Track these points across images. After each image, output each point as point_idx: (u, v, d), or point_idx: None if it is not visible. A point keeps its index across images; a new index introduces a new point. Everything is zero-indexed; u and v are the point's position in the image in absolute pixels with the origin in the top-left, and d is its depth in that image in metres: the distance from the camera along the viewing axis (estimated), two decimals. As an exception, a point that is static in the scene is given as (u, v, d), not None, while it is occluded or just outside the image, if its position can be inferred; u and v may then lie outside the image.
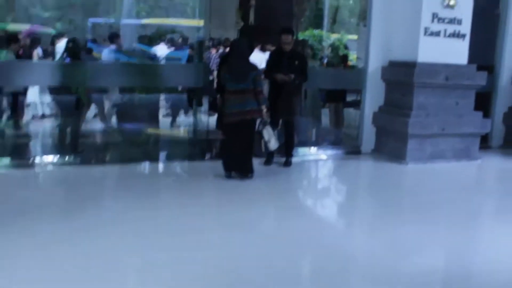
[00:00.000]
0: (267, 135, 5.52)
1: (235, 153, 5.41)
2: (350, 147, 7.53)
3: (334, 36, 21.15)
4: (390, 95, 7.17)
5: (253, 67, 5.38)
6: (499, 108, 8.35)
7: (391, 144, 7.02)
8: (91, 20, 18.25)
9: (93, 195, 4.91)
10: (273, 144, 5.59)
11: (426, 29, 6.70)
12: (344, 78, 7.54)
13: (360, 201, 5.50)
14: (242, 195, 5.11)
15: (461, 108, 6.99)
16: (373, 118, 7.31)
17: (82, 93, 6.53)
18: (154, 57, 9.95)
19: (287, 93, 6.05)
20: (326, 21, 23.55)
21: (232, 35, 17.46)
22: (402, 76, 6.79)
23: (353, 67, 10.47)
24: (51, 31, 18.99)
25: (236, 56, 5.40)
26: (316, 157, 7.18)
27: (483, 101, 7.58)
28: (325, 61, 13.25)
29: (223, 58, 7.26)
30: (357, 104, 8.09)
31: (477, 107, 7.14)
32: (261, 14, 15.27)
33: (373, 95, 7.28)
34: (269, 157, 6.29)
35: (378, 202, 5.24)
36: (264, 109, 5.42)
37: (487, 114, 8.12)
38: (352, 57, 14.87)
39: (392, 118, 6.89)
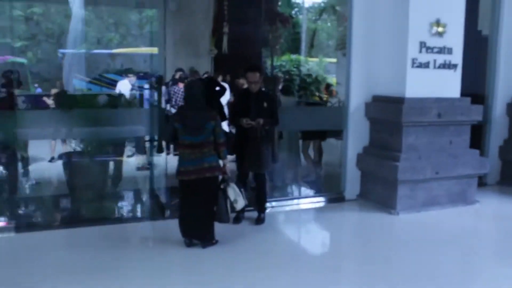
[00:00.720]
0: (232, 194, 4.59)
1: (193, 217, 4.48)
2: (333, 193, 6.65)
3: (312, 61, 20.49)
4: (376, 135, 6.33)
5: (211, 116, 4.47)
6: (494, 142, 7.58)
7: (379, 190, 6.15)
8: (61, 50, 17.42)
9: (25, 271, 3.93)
10: (240, 204, 4.66)
11: (413, 60, 5.90)
12: (323, 117, 6.65)
13: (345, 270, 4.57)
14: (202, 270, 4.17)
15: (455, 147, 6.18)
16: (357, 161, 6.45)
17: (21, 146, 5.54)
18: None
19: (255, 141, 5.17)
20: (303, 45, 22.95)
21: (206, 64, 16.67)
22: (388, 113, 5.96)
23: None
24: (22, 60, 18.09)
25: (189, 105, 4.50)
26: (294, 207, 6.28)
27: (476, 134, 6.76)
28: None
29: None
30: (339, 134, 7.23)
31: (469, 142, 6.34)
32: (234, 42, 14.47)
33: (356, 135, 6.44)
34: (238, 214, 5.37)
35: (367, 269, 4.32)
36: (227, 163, 4.52)
37: (480, 148, 7.36)
38: (332, 81, 14.16)
39: (379, 161, 6.03)
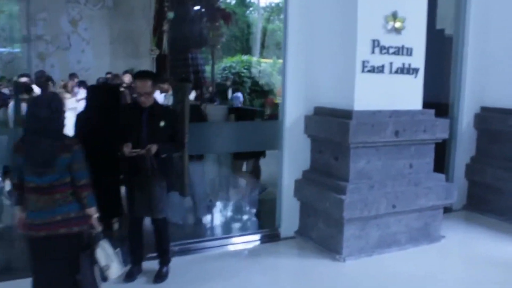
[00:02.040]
0: (103, 258, 3.14)
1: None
2: (266, 230, 5.30)
3: (266, 62, 19.19)
4: (318, 157, 5.03)
5: (64, 146, 3.00)
6: (460, 159, 6.43)
7: (321, 228, 4.85)
8: None
9: None
10: (115, 271, 3.21)
11: (364, 63, 4.62)
12: (254, 134, 5.25)
13: None
14: None
15: (417, 173, 4.94)
16: (295, 189, 5.12)
17: None
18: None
19: (145, 175, 3.76)
20: (258, 45, 21.64)
21: (147, 65, 15.16)
22: (332, 130, 4.66)
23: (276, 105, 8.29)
24: None
25: (32, 129, 3.02)
26: (217, 251, 4.89)
27: (438, 151, 5.50)
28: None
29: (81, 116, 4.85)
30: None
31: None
32: (174, 41, 13.01)
33: (294, 156, 5.12)
34: (133, 268, 3.96)
35: None
36: (94, 214, 3.09)
37: (443, 167, 6.19)
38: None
39: (321, 192, 4.72)
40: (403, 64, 4.82)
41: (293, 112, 5.04)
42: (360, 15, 4.54)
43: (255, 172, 6.51)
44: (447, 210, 5.74)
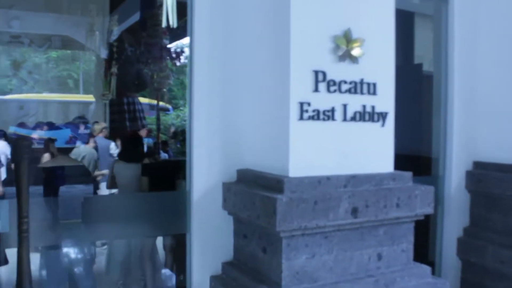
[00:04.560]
0: None
1: None
2: None
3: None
4: (242, 244, 3.38)
5: None
6: (450, 232, 4.84)
7: None
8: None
9: None
10: None
11: (302, 107, 3.05)
12: (145, 211, 3.56)
13: None
14: None
15: (388, 266, 3.30)
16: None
17: None
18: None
19: None
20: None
21: (99, 110, 13.68)
22: (256, 209, 3.01)
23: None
24: None
25: None
26: None
27: (418, 223, 3.81)
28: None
29: None
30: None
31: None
32: (123, 84, 11.45)
33: (208, 242, 3.45)
34: None
35: None
36: None
37: (426, 247, 4.63)
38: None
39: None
40: (364, 107, 3.26)
41: (206, 177, 3.41)
42: (294, 33, 3.00)
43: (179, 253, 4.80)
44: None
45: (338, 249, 3.09)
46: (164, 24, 7.18)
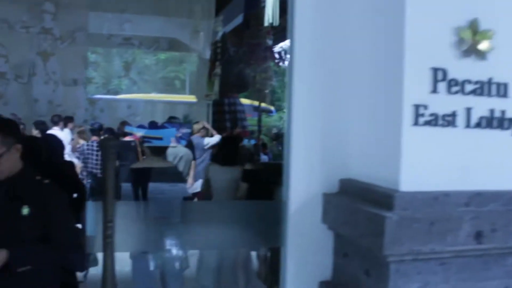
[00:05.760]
0: None
1: None
2: None
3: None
4: (342, 264, 3.03)
5: None
6: None
7: None
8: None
9: None
10: None
11: (418, 110, 2.63)
12: (233, 223, 3.29)
13: None
14: None
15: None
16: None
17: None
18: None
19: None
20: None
21: (202, 111, 13.86)
22: (360, 226, 2.64)
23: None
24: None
25: None
26: None
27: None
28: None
29: None
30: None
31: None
32: (225, 84, 11.47)
33: (305, 260, 3.14)
34: None
35: None
36: None
37: None
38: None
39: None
40: (491, 112, 2.76)
41: (304, 187, 3.09)
42: (409, 25, 2.58)
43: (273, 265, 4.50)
44: None
45: (456, 279, 2.62)
46: (266, 23, 6.98)
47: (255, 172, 4.93)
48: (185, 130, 15.03)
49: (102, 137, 8.25)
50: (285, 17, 3.38)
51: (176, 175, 4.84)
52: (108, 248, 2.70)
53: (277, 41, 10.59)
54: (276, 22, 6.46)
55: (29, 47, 12.93)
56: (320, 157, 3.06)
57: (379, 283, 2.58)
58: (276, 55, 9.48)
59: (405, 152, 2.62)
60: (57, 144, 4.38)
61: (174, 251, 3.80)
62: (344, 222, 2.78)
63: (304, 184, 3.06)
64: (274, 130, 15.09)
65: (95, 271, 3.80)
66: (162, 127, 16.40)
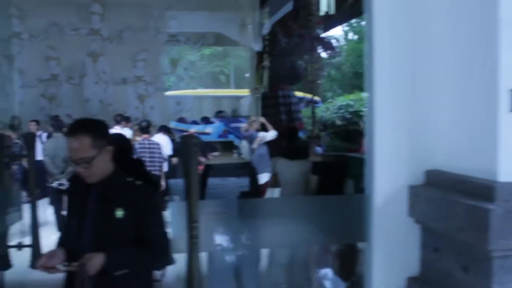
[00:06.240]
0: None
1: None
2: None
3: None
4: (432, 259, 2.89)
5: None
6: None
7: None
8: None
9: None
10: None
11: (516, 94, 2.46)
12: (316, 217, 3.20)
13: None
14: None
15: None
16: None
17: None
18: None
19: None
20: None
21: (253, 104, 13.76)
22: (456, 220, 2.51)
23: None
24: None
25: None
26: None
27: None
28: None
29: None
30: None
31: None
32: (276, 77, 11.37)
33: (391, 255, 3.02)
34: None
35: None
36: None
37: None
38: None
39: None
40: None
41: (389, 179, 2.97)
42: (505, 2, 2.42)
43: (349, 260, 4.41)
44: None
45: None
46: (322, 12, 6.83)
47: (324, 164, 4.83)
48: (234, 125, 15.05)
49: (185, 134, 8.32)
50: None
51: (250, 170, 4.77)
52: (194, 247, 2.66)
53: (327, 29, 10.40)
54: (332, 11, 6.32)
55: (79, 48, 13.17)
56: (405, 148, 2.94)
57: (480, 280, 2.45)
58: (327, 45, 9.31)
59: (502, 140, 2.46)
60: (127, 143, 4.40)
61: (251, 248, 3.77)
62: (437, 215, 2.65)
63: (390, 176, 2.94)
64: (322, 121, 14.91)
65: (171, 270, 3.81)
66: (211, 122, 16.46)
